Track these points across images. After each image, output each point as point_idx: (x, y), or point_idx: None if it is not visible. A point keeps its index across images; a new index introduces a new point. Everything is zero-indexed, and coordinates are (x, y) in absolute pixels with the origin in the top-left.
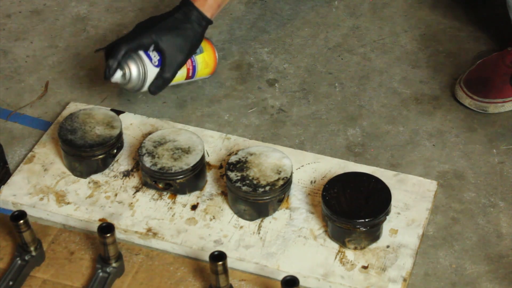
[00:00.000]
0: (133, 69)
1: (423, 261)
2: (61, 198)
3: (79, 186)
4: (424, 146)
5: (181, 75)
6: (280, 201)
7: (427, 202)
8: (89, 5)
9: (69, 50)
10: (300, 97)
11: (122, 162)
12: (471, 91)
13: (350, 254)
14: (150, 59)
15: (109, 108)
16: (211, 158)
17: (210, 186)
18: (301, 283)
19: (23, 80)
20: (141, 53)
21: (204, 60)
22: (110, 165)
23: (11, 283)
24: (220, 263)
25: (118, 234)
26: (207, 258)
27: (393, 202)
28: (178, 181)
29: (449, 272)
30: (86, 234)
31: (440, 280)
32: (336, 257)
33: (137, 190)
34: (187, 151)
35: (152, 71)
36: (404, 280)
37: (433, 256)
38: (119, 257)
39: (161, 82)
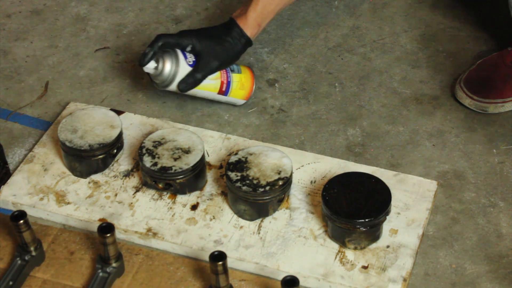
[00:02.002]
0: (167, 63)
1: (423, 261)
2: (61, 198)
3: (79, 186)
4: (424, 146)
5: (214, 86)
6: (280, 201)
7: (427, 202)
8: (89, 5)
9: (69, 50)
10: (300, 97)
11: (122, 162)
12: (471, 91)
13: (350, 254)
14: (185, 57)
15: (109, 108)
16: (211, 158)
17: (210, 186)
18: (301, 283)
19: (23, 80)
20: (178, 50)
21: (241, 80)
22: (110, 165)
23: (11, 283)
24: (220, 263)
25: (118, 234)
26: (207, 258)
27: (393, 202)
28: (178, 181)
29: (449, 272)
30: (86, 234)
31: (440, 280)
32: (336, 257)
33: (137, 190)
34: (187, 151)
35: (184, 69)
36: (404, 280)
37: (433, 256)
38: (119, 257)
39: (191, 81)
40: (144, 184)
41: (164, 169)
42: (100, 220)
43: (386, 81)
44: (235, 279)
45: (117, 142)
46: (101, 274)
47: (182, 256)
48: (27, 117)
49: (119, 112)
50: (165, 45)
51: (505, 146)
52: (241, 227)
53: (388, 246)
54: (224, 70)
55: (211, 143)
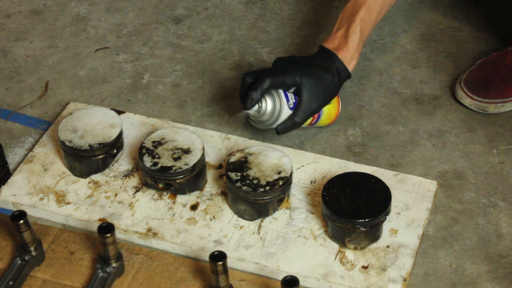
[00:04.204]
0: (269, 105)
1: (423, 261)
2: (61, 198)
3: (79, 186)
4: (424, 146)
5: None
6: (280, 201)
7: (427, 202)
8: (89, 5)
9: (69, 50)
10: None
11: (122, 162)
12: (471, 91)
13: (350, 254)
14: (287, 100)
15: (109, 108)
16: (211, 158)
17: (210, 186)
18: (301, 283)
19: (23, 80)
20: (281, 91)
21: (329, 111)
22: (110, 165)
23: (11, 283)
24: (220, 263)
25: (118, 234)
26: (207, 258)
27: (393, 202)
28: (178, 181)
29: (449, 272)
30: (86, 234)
31: (440, 280)
32: (336, 257)
33: (137, 190)
34: (187, 151)
35: (286, 112)
36: (404, 280)
37: (433, 256)
38: (119, 257)
39: (291, 125)
40: (144, 184)
41: (164, 169)
42: (100, 220)
43: (386, 81)
44: (235, 279)
45: (117, 142)
46: (101, 274)
47: (182, 256)
48: (27, 117)
49: (119, 112)
50: (270, 88)
51: (505, 146)
52: (241, 227)
53: (388, 246)
54: None
55: (211, 143)
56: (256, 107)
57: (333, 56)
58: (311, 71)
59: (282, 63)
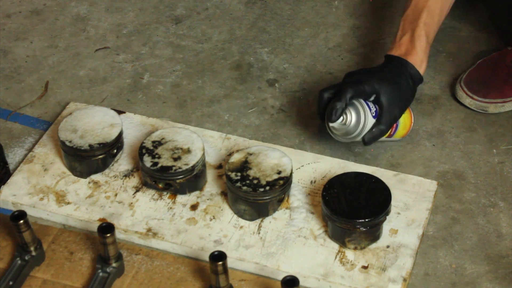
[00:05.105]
0: (354, 116)
1: (423, 261)
2: (61, 198)
3: (79, 186)
4: (424, 146)
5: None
6: (280, 201)
7: (427, 202)
8: (89, 5)
9: (69, 50)
10: (300, 97)
11: (122, 162)
12: (471, 91)
13: (350, 254)
14: (369, 108)
15: (109, 108)
16: (211, 158)
17: (210, 186)
18: (301, 283)
19: (23, 80)
20: (363, 102)
21: (404, 121)
22: (110, 165)
23: (11, 283)
24: (220, 263)
25: (118, 234)
26: (207, 258)
27: (393, 202)
28: (178, 181)
29: (449, 272)
30: (86, 234)
31: (440, 280)
32: (336, 257)
33: (137, 190)
34: (187, 151)
35: (371, 121)
36: (404, 280)
37: (433, 256)
38: (119, 257)
39: (377, 133)
40: (144, 184)
41: (164, 169)
42: (100, 220)
43: None
44: (235, 279)
45: (117, 142)
46: (101, 274)
47: (182, 256)
48: (27, 117)
49: (119, 112)
50: (353, 97)
51: (505, 146)
52: (241, 227)
53: (388, 246)
54: None
55: (211, 143)
56: (340, 119)
57: (403, 62)
58: (387, 77)
59: (356, 75)
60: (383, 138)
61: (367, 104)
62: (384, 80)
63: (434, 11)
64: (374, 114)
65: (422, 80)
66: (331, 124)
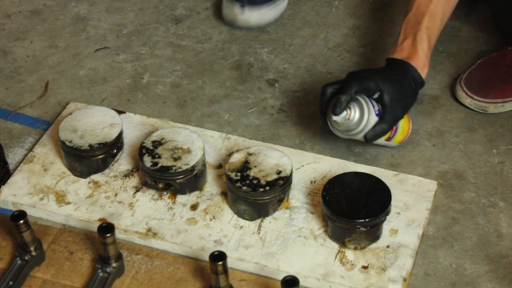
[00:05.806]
0: (357, 112)
1: (423, 261)
2: (61, 198)
3: (79, 186)
4: (424, 146)
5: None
6: (280, 201)
7: (427, 202)
8: (89, 5)
9: (69, 50)
10: (300, 97)
11: (122, 162)
12: (471, 91)
13: (350, 254)
14: (373, 106)
15: (109, 108)
16: (211, 158)
17: (210, 186)
18: (301, 283)
19: (23, 80)
20: (367, 98)
21: (403, 126)
22: (110, 165)
23: (11, 283)
24: (220, 263)
25: (118, 234)
26: (207, 258)
27: (393, 202)
28: (178, 181)
29: (449, 272)
30: (86, 234)
31: (440, 280)
32: (336, 257)
33: (137, 190)
34: (187, 150)
35: (373, 119)
36: (404, 280)
37: (433, 256)
38: (119, 257)
39: (380, 131)
40: (144, 184)
41: (164, 169)
42: (100, 220)
43: None
44: (235, 279)
45: (117, 142)
46: (101, 274)
47: (182, 256)
48: (27, 117)
49: (119, 112)
50: (358, 92)
51: (505, 146)
52: (241, 227)
53: (388, 246)
54: None
55: (211, 143)
56: (344, 113)
57: (405, 65)
58: (391, 77)
59: (359, 73)
60: (382, 141)
61: (371, 102)
62: (388, 79)
63: (436, 15)
64: (377, 113)
65: (424, 84)
66: (334, 118)
